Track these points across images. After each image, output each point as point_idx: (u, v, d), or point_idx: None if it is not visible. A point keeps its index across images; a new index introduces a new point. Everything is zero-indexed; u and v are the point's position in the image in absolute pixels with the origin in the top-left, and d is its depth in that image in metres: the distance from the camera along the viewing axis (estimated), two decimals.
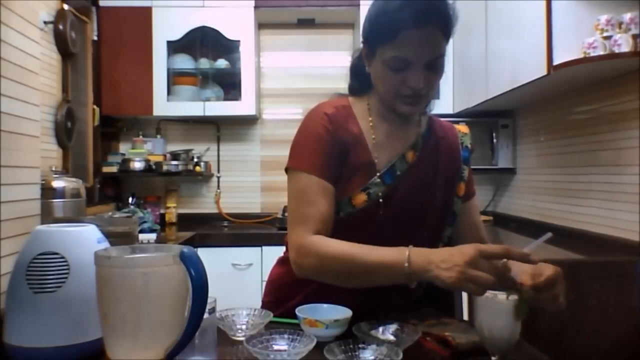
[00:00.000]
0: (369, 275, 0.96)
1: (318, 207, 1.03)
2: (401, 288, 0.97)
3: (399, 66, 1.01)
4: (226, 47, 3.12)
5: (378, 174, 1.06)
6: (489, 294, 0.89)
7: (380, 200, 1.05)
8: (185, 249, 0.80)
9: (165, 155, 3.17)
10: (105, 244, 0.97)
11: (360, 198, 1.05)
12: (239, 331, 1.03)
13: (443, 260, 0.86)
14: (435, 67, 1.02)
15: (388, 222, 1.07)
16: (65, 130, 2.36)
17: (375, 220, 1.06)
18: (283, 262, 1.23)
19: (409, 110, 1.07)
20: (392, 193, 1.07)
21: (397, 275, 0.91)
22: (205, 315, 0.84)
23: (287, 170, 1.10)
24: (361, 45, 1.10)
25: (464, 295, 1.82)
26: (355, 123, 1.10)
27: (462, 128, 1.23)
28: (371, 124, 1.11)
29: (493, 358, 0.89)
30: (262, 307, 1.20)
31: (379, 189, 1.06)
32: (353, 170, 1.07)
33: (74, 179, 2.08)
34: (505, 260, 0.84)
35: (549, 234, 0.91)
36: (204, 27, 3.01)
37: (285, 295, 1.20)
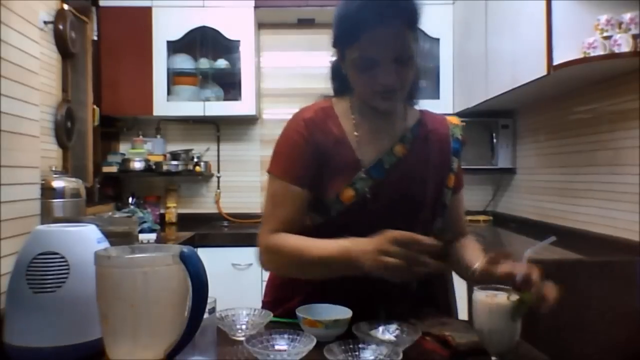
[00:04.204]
0: (317, 268, 1.02)
1: (284, 210, 1.08)
2: (399, 286, 0.98)
3: (367, 65, 1.02)
4: (226, 47, 3.12)
5: (363, 169, 1.08)
6: (489, 293, 0.89)
7: (368, 195, 1.06)
8: (185, 248, 0.80)
9: (165, 155, 3.17)
10: (105, 244, 0.97)
11: (348, 193, 1.07)
12: (239, 331, 1.03)
13: (363, 250, 0.91)
14: (404, 62, 1.02)
15: (380, 216, 1.06)
16: (65, 130, 2.36)
17: (367, 215, 1.07)
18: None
19: (387, 106, 1.09)
20: (381, 186, 1.08)
21: (339, 266, 0.97)
22: (205, 315, 0.84)
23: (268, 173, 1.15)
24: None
25: (464, 295, 1.82)
26: (337, 123, 1.12)
27: (453, 120, 1.24)
28: (354, 122, 1.13)
29: (493, 358, 0.89)
30: (262, 307, 1.20)
31: (365, 183, 1.07)
32: (337, 169, 1.08)
33: (73, 179, 2.08)
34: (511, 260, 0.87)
35: (553, 238, 0.91)
36: (204, 27, 3.01)
37: (284, 295, 1.21)
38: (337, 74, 1.16)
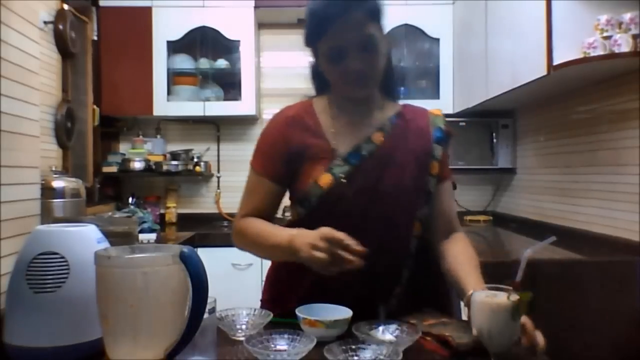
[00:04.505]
0: (269, 251, 1.15)
1: (255, 199, 1.20)
2: (396, 280, 1.11)
3: (336, 55, 1.10)
4: (226, 47, 3.12)
5: (341, 157, 1.14)
6: (489, 293, 0.89)
7: (343, 179, 1.12)
8: (185, 248, 0.80)
9: (165, 155, 3.17)
10: (105, 244, 0.97)
11: (326, 178, 1.12)
12: (239, 331, 1.03)
13: (302, 242, 1.00)
14: (369, 48, 1.09)
15: (359, 201, 1.12)
16: (65, 130, 2.36)
17: (346, 201, 1.12)
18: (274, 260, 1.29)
19: (361, 92, 1.15)
20: (358, 172, 1.13)
21: (284, 253, 1.06)
22: (205, 315, 0.84)
23: None
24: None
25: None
26: (314, 119, 1.19)
27: (435, 111, 1.28)
28: (331, 116, 1.20)
29: (493, 358, 0.89)
30: (261, 306, 1.23)
31: (342, 169, 1.13)
32: (315, 160, 1.15)
33: (73, 179, 2.08)
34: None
35: (553, 238, 0.91)
36: (204, 27, 3.01)
37: (281, 292, 1.23)
38: (316, 74, 1.25)
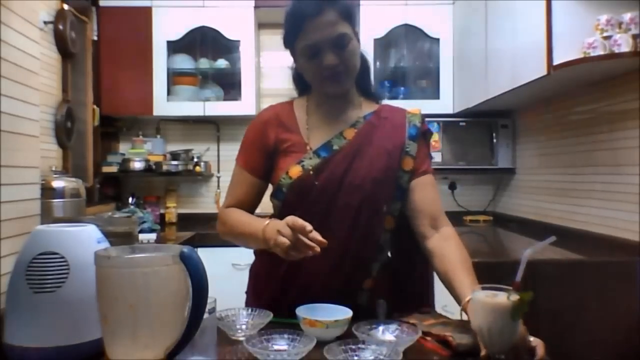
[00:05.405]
0: (244, 239, 1.22)
1: (238, 191, 1.29)
2: (365, 273, 1.21)
3: (312, 52, 1.17)
4: (226, 47, 3.12)
5: (312, 151, 1.22)
6: (489, 293, 0.89)
7: (311, 171, 1.19)
8: (185, 248, 0.80)
9: (165, 155, 3.17)
10: (105, 244, 0.97)
11: (296, 169, 1.20)
12: (239, 331, 1.03)
13: (272, 230, 1.07)
14: (341, 45, 1.17)
15: (326, 191, 1.19)
16: (65, 130, 2.36)
17: (314, 190, 1.19)
18: (255, 253, 1.37)
19: (335, 88, 1.21)
20: (327, 164, 1.20)
21: (260, 242, 1.12)
22: (205, 315, 0.84)
23: None
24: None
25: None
26: (291, 116, 1.28)
27: (413, 110, 1.34)
28: (307, 114, 1.28)
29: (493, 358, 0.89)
30: (246, 300, 1.35)
31: (312, 161, 1.20)
32: (288, 153, 1.24)
33: (73, 179, 2.08)
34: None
35: (553, 238, 0.91)
36: (203, 27, 3.01)
37: (260, 285, 1.33)
38: (297, 76, 1.33)
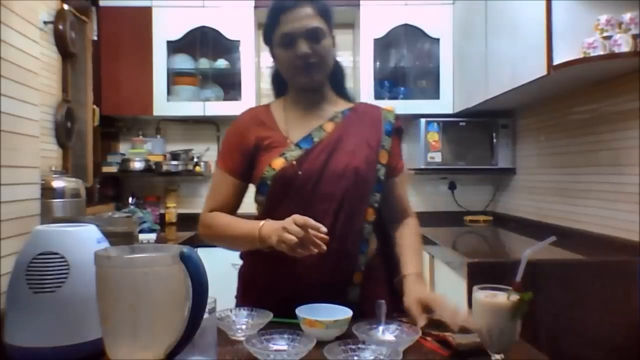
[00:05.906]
0: (236, 241, 1.25)
1: (219, 194, 1.30)
2: (353, 265, 1.23)
3: (287, 41, 1.23)
4: (226, 47, 3.12)
5: (293, 144, 1.25)
6: (489, 293, 0.89)
7: (294, 162, 1.22)
8: (185, 248, 0.80)
9: (165, 155, 3.17)
10: (105, 244, 0.97)
11: (279, 161, 1.23)
12: (239, 331, 1.03)
13: (271, 228, 1.10)
14: (316, 38, 1.23)
15: (309, 181, 1.21)
16: (65, 130, 2.36)
17: (297, 180, 1.21)
18: (243, 255, 1.37)
19: (308, 79, 1.26)
20: (309, 155, 1.24)
21: (253, 242, 1.15)
22: (205, 315, 0.84)
23: None
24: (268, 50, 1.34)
25: (464, 294, 1.82)
26: (270, 117, 1.32)
27: (388, 108, 1.39)
28: (284, 112, 1.33)
29: (493, 358, 0.89)
30: (235, 304, 1.32)
31: (294, 153, 1.23)
32: (269, 149, 1.26)
33: (73, 179, 2.07)
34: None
35: (553, 238, 0.91)
36: (203, 27, 3.01)
37: (246, 285, 1.34)
38: (276, 80, 1.39)
